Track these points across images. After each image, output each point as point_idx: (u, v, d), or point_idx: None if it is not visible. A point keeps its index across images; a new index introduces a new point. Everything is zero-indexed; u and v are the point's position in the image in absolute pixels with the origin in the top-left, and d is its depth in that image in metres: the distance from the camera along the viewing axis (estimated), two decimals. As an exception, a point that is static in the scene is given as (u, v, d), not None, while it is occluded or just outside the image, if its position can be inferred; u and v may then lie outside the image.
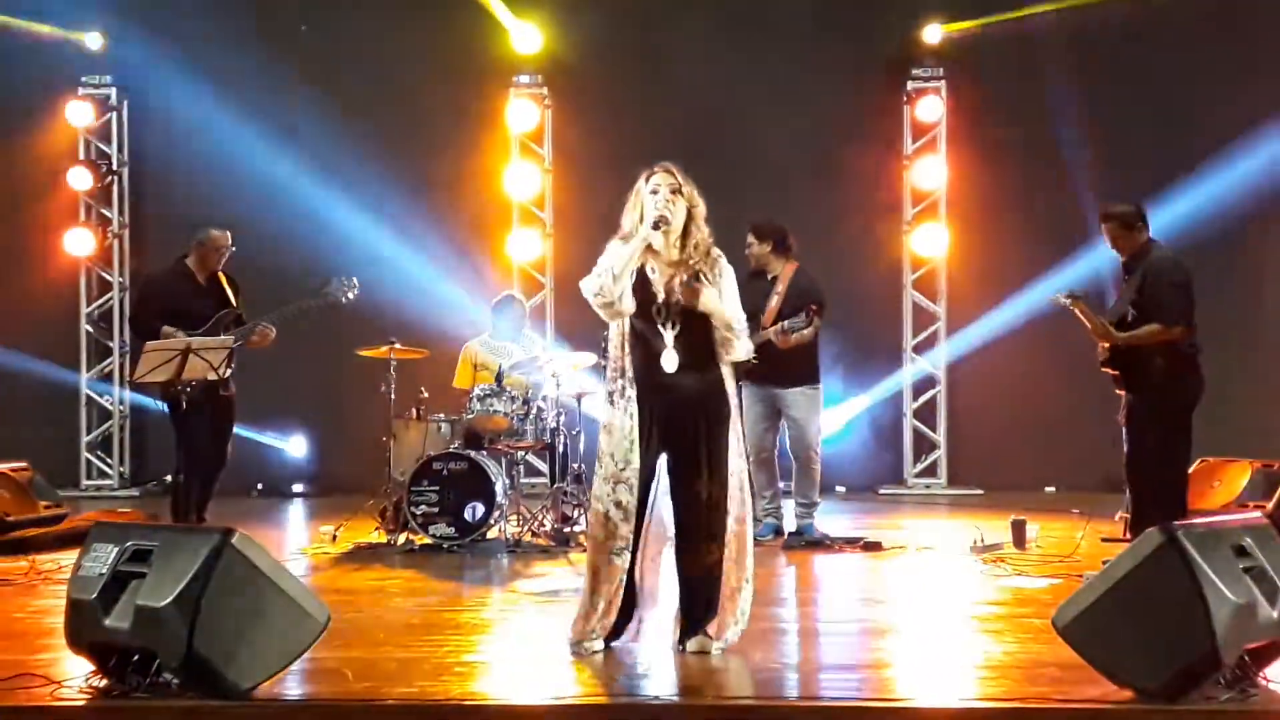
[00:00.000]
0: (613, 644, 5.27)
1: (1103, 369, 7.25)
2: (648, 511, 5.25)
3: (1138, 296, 7.07)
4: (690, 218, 5.30)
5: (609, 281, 5.19)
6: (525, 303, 10.04)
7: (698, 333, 5.26)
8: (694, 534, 5.23)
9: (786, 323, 8.19)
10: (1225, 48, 11.77)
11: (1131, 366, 7.09)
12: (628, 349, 5.27)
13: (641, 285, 5.28)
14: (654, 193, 5.26)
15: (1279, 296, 11.94)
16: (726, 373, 5.30)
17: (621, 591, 5.23)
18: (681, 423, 5.23)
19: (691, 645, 5.20)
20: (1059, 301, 7.26)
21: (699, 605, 5.24)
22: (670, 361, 5.22)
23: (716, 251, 5.35)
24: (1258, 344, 11.70)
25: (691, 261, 5.28)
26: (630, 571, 5.25)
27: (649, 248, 5.27)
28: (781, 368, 8.34)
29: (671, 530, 5.29)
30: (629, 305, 5.23)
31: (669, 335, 5.23)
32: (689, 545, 5.24)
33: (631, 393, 5.23)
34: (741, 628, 5.29)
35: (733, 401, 5.32)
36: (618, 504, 5.19)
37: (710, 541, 5.21)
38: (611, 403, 5.27)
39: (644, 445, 5.21)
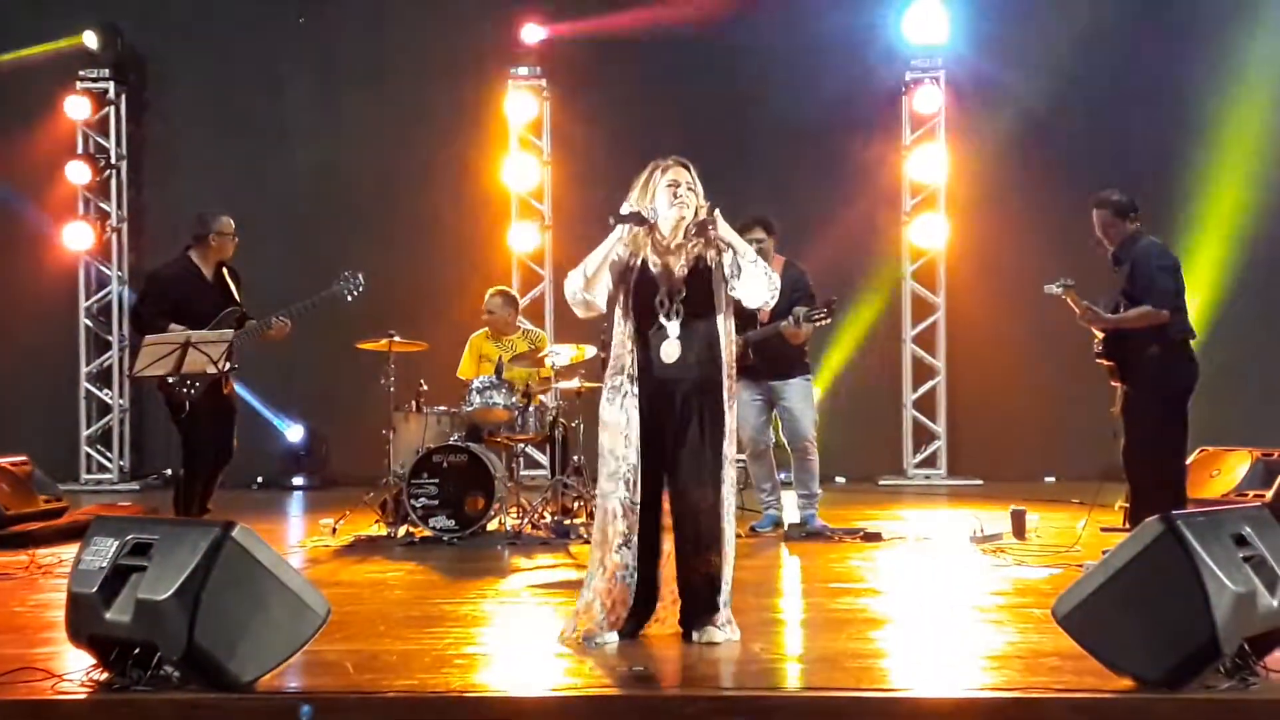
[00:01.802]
0: (625, 637, 5.24)
1: (1097, 360, 7.25)
2: (659, 505, 5.25)
3: (1128, 285, 7.07)
4: (695, 213, 5.29)
5: (579, 285, 5.27)
6: (514, 294, 10.02)
7: (700, 325, 5.26)
8: (694, 539, 5.23)
9: (803, 312, 8.15)
10: (1230, 41, 11.75)
11: (1125, 357, 7.09)
12: (630, 345, 5.27)
13: (643, 282, 5.28)
14: (672, 185, 5.28)
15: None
16: (725, 365, 5.28)
17: (628, 587, 5.20)
18: (681, 420, 5.23)
19: (699, 636, 5.20)
20: (1052, 290, 7.26)
21: (700, 603, 5.24)
22: (671, 352, 5.22)
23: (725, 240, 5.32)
24: (1258, 332, 11.68)
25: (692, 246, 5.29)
26: (652, 566, 5.26)
27: (653, 242, 5.28)
28: (775, 360, 8.36)
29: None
30: (602, 303, 5.30)
31: (673, 326, 5.24)
32: (690, 550, 5.25)
33: (630, 389, 5.23)
34: (728, 604, 5.28)
35: (727, 392, 5.28)
36: (620, 500, 5.20)
37: (711, 547, 5.21)
38: (610, 400, 5.27)
39: (644, 441, 5.21)
